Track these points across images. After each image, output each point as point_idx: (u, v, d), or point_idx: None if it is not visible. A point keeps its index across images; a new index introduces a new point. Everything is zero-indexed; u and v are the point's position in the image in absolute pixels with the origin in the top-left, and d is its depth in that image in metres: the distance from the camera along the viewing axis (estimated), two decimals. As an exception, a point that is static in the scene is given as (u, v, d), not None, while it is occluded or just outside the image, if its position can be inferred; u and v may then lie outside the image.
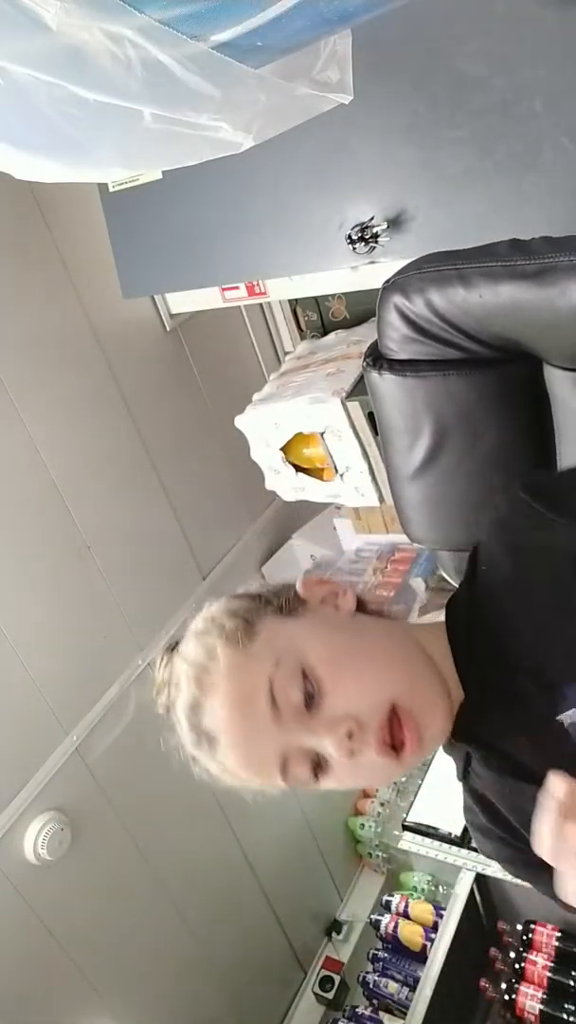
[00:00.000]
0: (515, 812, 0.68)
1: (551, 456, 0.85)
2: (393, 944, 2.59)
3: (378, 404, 0.85)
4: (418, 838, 2.48)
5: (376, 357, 0.82)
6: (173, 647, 0.73)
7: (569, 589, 0.63)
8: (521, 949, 2.39)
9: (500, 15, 1.05)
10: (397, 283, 0.76)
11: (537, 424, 0.83)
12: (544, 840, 0.52)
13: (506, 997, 2.29)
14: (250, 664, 0.64)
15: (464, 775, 0.72)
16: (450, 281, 0.72)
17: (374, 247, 1.30)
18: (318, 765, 0.63)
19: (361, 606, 0.73)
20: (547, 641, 0.65)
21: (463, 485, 0.85)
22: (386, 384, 0.81)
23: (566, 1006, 2.21)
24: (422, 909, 2.60)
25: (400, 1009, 2.42)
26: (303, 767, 0.63)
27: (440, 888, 2.66)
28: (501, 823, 0.70)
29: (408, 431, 0.83)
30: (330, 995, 2.52)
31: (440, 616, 0.75)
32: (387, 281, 0.77)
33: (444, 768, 0.93)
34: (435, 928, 2.49)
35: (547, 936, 2.40)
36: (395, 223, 1.27)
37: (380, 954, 2.58)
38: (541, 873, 0.62)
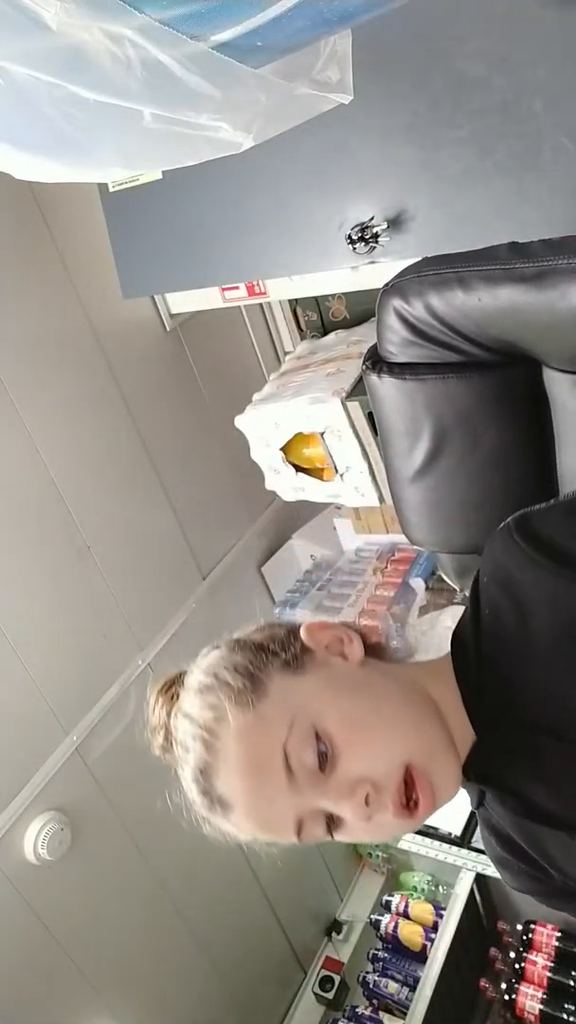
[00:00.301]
0: (533, 846, 0.68)
1: (551, 458, 0.85)
2: (393, 944, 2.59)
3: (378, 407, 0.85)
4: (418, 838, 2.47)
5: (376, 360, 0.82)
6: (170, 686, 0.71)
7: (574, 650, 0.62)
8: (521, 949, 2.39)
9: (500, 15, 1.05)
10: (396, 286, 0.76)
11: (536, 427, 0.83)
12: None
13: (506, 997, 2.29)
14: (262, 728, 0.62)
15: (478, 806, 0.72)
16: (449, 284, 0.72)
17: (374, 247, 1.30)
18: (332, 821, 0.63)
19: (367, 647, 0.72)
20: (561, 701, 0.64)
21: (463, 487, 0.85)
22: (386, 387, 0.81)
23: (566, 1006, 2.21)
24: (422, 909, 2.60)
25: (400, 1009, 2.42)
26: (319, 827, 0.63)
27: (440, 888, 2.67)
28: (518, 853, 0.70)
29: (408, 434, 0.83)
30: (330, 995, 2.52)
31: (444, 647, 0.73)
32: (386, 284, 0.77)
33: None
34: (435, 928, 2.49)
35: (547, 936, 2.40)
36: (395, 223, 1.27)
37: (380, 954, 2.59)
38: (573, 900, 0.62)
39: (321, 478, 1.81)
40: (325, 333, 2.12)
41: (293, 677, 0.65)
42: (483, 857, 2.42)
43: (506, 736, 0.66)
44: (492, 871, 2.38)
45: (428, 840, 2.46)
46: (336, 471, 1.76)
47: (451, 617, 2.05)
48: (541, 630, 0.63)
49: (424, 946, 2.49)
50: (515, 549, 0.64)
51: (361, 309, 2.06)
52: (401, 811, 0.61)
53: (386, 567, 2.35)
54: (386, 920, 2.61)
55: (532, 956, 2.36)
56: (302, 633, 0.70)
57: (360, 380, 1.64)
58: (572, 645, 0.62)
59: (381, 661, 0.72)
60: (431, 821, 2.48)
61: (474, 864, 2.42)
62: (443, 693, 0.68)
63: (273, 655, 0.67)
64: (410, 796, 0.61)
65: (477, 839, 2.47)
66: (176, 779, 0.68)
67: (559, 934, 2.39)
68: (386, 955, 2.58)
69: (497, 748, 0.67)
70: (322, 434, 1.70)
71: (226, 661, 0.67)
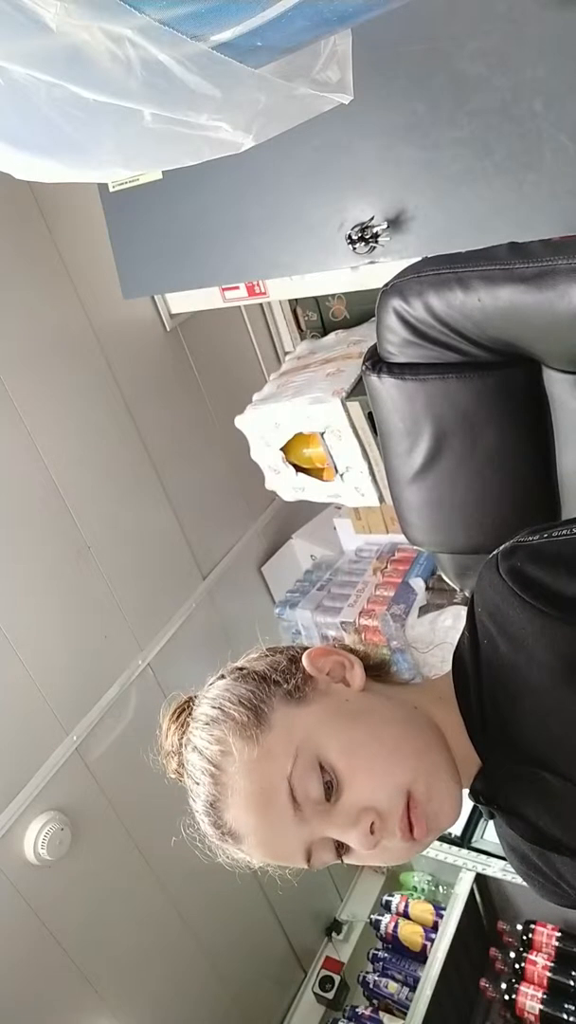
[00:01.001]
0: (547, 865, 0.69)
1: (551, 458, 0.85)
2: (393, 944, 2.59)
3: (378, 407, 0.85)
4: (418, 838, 2.47)
5: (375, 360, 0.82)
6: (180, 712, 0.72)
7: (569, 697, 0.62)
8: (521, 949, 2.39)
9: (500, 15, 1.05)
10: (396, 287, 0.76)
11: (536, 427, 0.83)
12: None
13: (506, 997, 2.29)
14: (266, 761, 0.63)
15: (491, 816, 0.72)
16: (449, 285, 0.72)
17: (374, 247, 1.30)
18: (340, 846, 0.64)
19: (369, 668, 0.72)
20: (559, 742, 0.64)
21: (463, 488, 0.85)
22: (386, 387, 0.81)
23: (566, 1006, 2.21)
24: (422, 909, 2.60)
25: (400, 1009, 2.42)
26: (328, 853, 0.64)
27: (440, 888, 2.66)
28: (535, 869, 0.71)
29: (408, 434, 0.83)
30: (330, 995, 2.53)
31: (445, 667, 0.73)
32: (386, 285, 0.77)
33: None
34: (435, 928, 2.49)
35: (547, 936, 2.40)
36: (395, 223, 1.27)
37: (380, 954, 2.59)
38: None
39: (321, 478, 1.81)
40: (325, 333, 2.12)
41: (296, 708, 0.66)
42: (483, 857, 2.42)
43: (510, 764, 0.67)
44: (492, 871, 2.38)
45: (428, 840, 2.46)
46: (336, 471, 1.76)
47: (451, 617, 2.05)
48: (536, 669, 0.63)
49: (424, 946, 2.49)
50: (502, 587, 0.63)
51: (361, 309, 2.06)
52: (408, 836, 0.61)
53: (386, 567, 2.35)
54: (386, 920, 2.61)
55: (532, 956, 2.36)
56: (304, 661, 0.70)
57: (360, 380, 1.64)
58: (567, 691, 0.61)
59: (384, 684, 0.72)
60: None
61: (474, 864, 2.42)
62: (446, 717, 0.69)
63: (276, 685, 0.67)
64: (414, 823, 0.62)
65: (477, 839, 2.47)
66: (189, 808, 0.70)
67: (559, 934, 2.39)
68: (386, 955, 2.58)
69: (502, 774, 0.67)
70: (322, 434, 1.70)
71: (231, 693, 0.67)
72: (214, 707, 0.67)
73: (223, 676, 0.71)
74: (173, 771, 0.72)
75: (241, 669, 0.71)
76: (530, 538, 0.66)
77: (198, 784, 0.66)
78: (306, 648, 0.72)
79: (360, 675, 0.70)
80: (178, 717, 0.72)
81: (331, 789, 0.62)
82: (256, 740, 0.63)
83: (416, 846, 0.63)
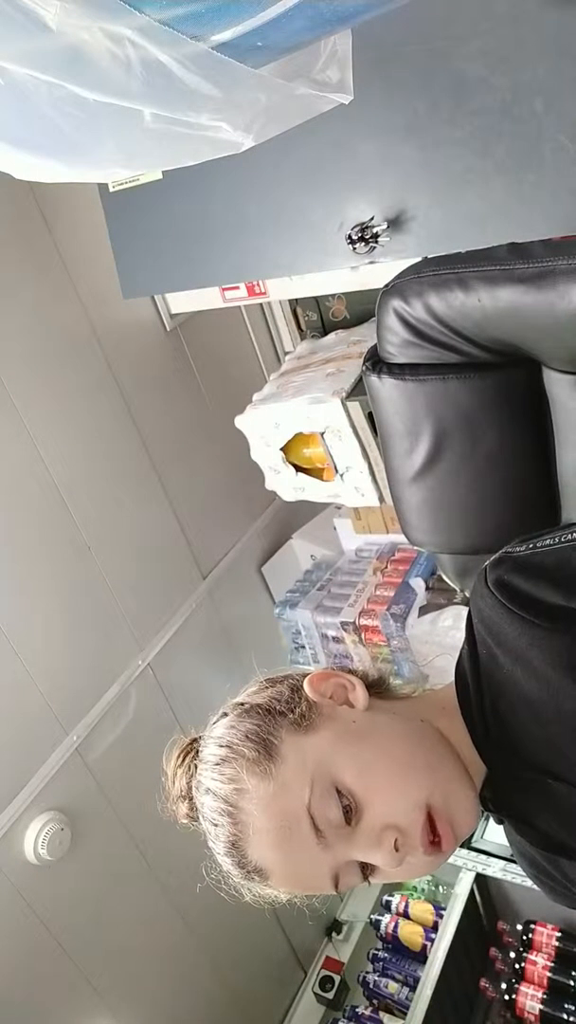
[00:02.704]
0: (556, 869, 0.69)
1: (551, 459, 0.85)
2: (393, 944, 2.59)
3: (378, 408, 0.85)
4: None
5: (376, 361, 0.82)
6: (185, 756, 0.71)
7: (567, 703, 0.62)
8: (521, 949, 2.39)
9: (500, 15, 1.05)
10: (396, 287, 0.76)
11: (537, 427, 0.83)
12: None
13: (506, 997, 2.29)
14: (283, 794, 0.62)
15: (500, 822, 0.72)
16: (449, 285, 0.72)
17: (374, 247, 1.30)
18: (364, 867, 0.64)
19: (370, 686, 0.72)
20: (560, 751, 0.64)
21: (463, 488, 0.85)
22: (386, 388, 0.81)
23: (566, 1006, 2.21)
24: (422, 909, 2.60)
25: (400, 1009, 2.43)
26: (354, 875, 0.64)
27: (440, 888, 2.66)
28: (544, 873, 0.71)
29: (408, 435, 0.83)
30: (330, 995, 2.53)
31: (451, 672, 0.73)
32: (386, 286, 0.77)
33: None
34: (435, 928, 2.49)
35: (547, 936, 2.40)
36: (395, 223, 1.27)
37: (380, 954, 2.59)
38: None
39: (321, 478, 1.81)
40: (325, 333, 2.12)
41: (304, 736, 0.65)
42: (483, 857, 2.42)
43: (516, 772, 0.67)
44: (492, 871, 2.39)
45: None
46: (336, 471, 1.76)
47: (451, 617, 2.05)
48: (533, 680, 0.63)
49: (424, 946, 2.49)
50: (491, 599, 0.64)
51: (361, 309, 2.06)
52: (431, 849, 0.62)
53: (386, 567, 2.35)
54: (386, 920, 2.61)
55: (532, 956, 2.36)
56: (305, 687, 0.70)
57: (360, 380, 1.64)
58: (565, 700, 0.62)
59: (386, 700, 0.72)
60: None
61: (474, 864, 2.42)
62: (451, 727, 0.69)
63: (281, 716, 0.67)
64: (436, 832, 0.62)
65: (477, 839, 2.47)
66: (209, 850, 0.69)
67: (559, 934, 2.39)
68: (386, 955, 2.58)
69: (509, 781, 0.67)
70: (322, 434, 1.70)
71: (236, 730, 0.67)
72: (222, 746, 0.66)
73: (225, 714, 0.70)
74: (184, 816, 0.72)
75: (242, 704, 0.70)
76: (517, 548, 0.67)
77: (216, 826, 0.65)
78: (305, 674, 0.72)
79: (363, 695, 0.69)
80: (183, 761, 0.72)
81: (350, 812, 0.62)
82: (270, 774, 0.63)
83: (440, 857, 0.63)
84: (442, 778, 0.64)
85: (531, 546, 0.66)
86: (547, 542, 0.65)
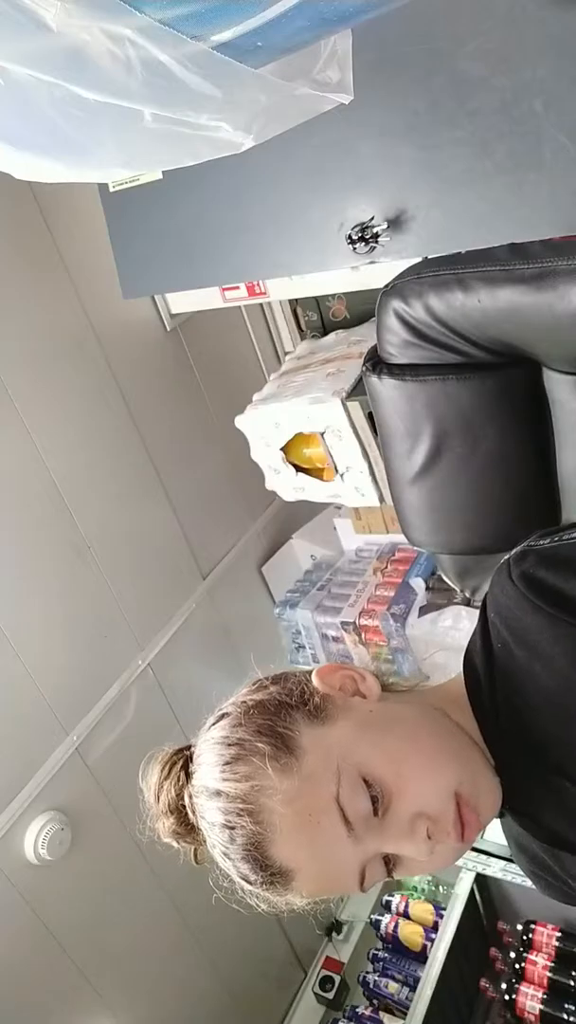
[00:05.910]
0: (558, 865, 0.69)
1: (551, 459, 0.85)
2: (393, 944, 2.59)
3: (378, 408, 0.85)
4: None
5: (376, 361, 0.82)
6: (172, 766, 0.69)
7: None
8: (521, 949, 2.39)
9: (500, 15, 1.05)
10: (396, 288, 0.76)
11: (537, 428, 0.83)
12: None
13: (506, 997, 2.29)
14: (310, 786, 0.60)
15: (501, 815, 0.72)
16: (449, 286, 0.72)
17: (374, 247, 1.30)
18: (388, 860, 0.63)
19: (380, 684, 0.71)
20: (573, 750, 0.64)
21: (463, 489, 0.85)
22: (386, 388, 0.81)
23: (566, 1006, 2.21)
24: (422, 909, 2.60)
25: (400, 1009, 2.42)
26: (380, 870, 0.63)
27: (440, 888, 2.66)
28: (544, 868, 0.71)
29: (408, 435, 0.83)
30: (330, 995, 2.52)
31: (452, 672, 0.73)
32: (386, 286, 0.77)
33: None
34: (435, 928, 2.49)
35: (547, 936, 2.40)
36: (395, 223, 1.27)
37: (380, 954, 2.59)
38: None
39: (321, 478, 1.81)
40: (325, 333, 2.12)
41: (322, 727, 0.64)
42: (483, 857, 2.42)
43: (525, 767, 0.66)
44: (492, 871, 2.38)
45: (428, 840, 2.46)
46: (336, 471, 1.76)
47: (451, 617, 2.05)
48: (553, 676, 0.62)
49: (424, 946, 2.49)
50: (515, 593, 0.62)
51: (361, 309, 2.06)
52: (461, 836, 0.61)
53: (386, 567, 2.35)
54: (386, 920, 2.61)
55: (532, 956, 2.36)
56: (314, 680, 0.68)
57: (360, 380, 1.64)
58: None
59: (394, 692, 0.72)
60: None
61: (474, 864, 2.42)
62: (461, 718, 0.68)
63: (295, 708, 0.65)
64: (463, 820, 0.62)
65: (477, 839, 2.46)
66: (212, 864, 0.67)
67: (559, 934, 2.39)
68: (386, 955, 2.58)
69: (517, 776, 0.67)
70: (322, 434, 1.70)
71: (246, 727, 0.64)
72: (230, 745, 0.64)
73: (225, 715, 0.68)
74: (169, 832, 0.69)
75: (244, 703, 0.68)
76: (541, 542, 0.65)
77: (232, 828, 0.62)
78: (307, 671, 0.71)
79: (375, 685, 0.69)
80: (170, 772, 0.70)
81: (378, 802, 0.60)
82: (292, 768, 0.61)
83: (465, 846, 0.62)
84: (469, 765, 0.64)
85: (557, 539, 0.65)
86: (574, 535, 0.64)
